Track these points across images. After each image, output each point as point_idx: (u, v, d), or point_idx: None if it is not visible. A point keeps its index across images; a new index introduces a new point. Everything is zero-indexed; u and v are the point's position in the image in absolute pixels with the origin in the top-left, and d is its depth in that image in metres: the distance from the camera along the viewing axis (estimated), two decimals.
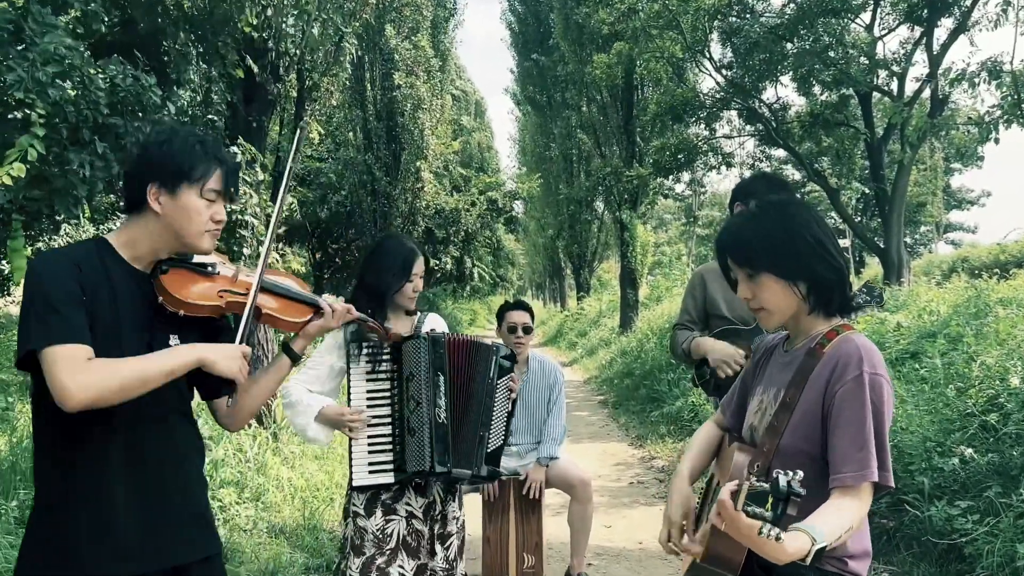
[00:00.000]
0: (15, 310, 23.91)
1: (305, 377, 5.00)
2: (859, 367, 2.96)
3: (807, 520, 2.69)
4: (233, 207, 9.96)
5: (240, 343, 3.31)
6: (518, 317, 7.27)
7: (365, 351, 4.85)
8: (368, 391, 4.82)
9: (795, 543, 2.56)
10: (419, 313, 5.27)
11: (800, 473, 2.43)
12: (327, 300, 3.77)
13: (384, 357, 4.83)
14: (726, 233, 3.31)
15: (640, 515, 10.20)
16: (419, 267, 5.10)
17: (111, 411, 3.04)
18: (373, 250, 5.26)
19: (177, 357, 3.10)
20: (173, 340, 3.31)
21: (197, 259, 3.44)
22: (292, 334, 3.76)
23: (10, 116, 6.85)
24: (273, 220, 3.83)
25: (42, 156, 6.95)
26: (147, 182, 3.23)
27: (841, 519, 2.79)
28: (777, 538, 2.43)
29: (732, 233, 3.27)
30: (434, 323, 5.24)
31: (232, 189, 3.40)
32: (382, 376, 4.84)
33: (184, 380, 3.30)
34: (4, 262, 12.45)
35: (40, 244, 12.33)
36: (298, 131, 4.00)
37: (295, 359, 3.74)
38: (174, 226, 3.25)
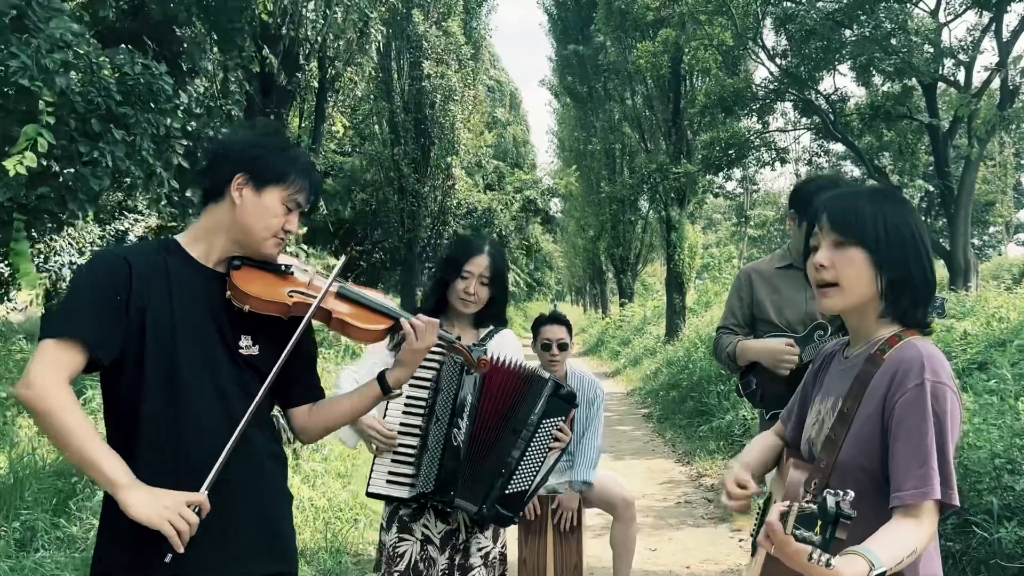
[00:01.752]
0: (16, 317, 24.03)
1: (355, 372, 4.94)
2: (920, 375, 2.90)
3: (865, 543, 2.65)
4: None
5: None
6: (552, 332, 7.13)
7: None
8: (408, 397, 4.72)
9: (851, 568, 2.52)
10: (491, 328, 5.18)
11: (851, 494, 2.39)
12: (405, 319, 3.66)
13: (431, 364, 4.67)
14: (836, 194, 3.25)
15: (688, 537, 10.15)
16: (475, 265, 4.95)
17: (177, 413, 3.16)
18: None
19: (108, 465, 3.02)
20: (245, 340, 3.39)
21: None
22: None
23: (12, 108, 6.87)
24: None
25: (48, 151, 6.97)
26: (237, 170, 3.34)
27: (903, 542, 2.75)
28: (827, 564, 2.39)
29: (843, 196, 3.21)
30: (503, 342, 5.12)
31: (311, 207, 3.56)
32: (424, 384, 4.72)
33: (257, 384, 3.35)
34: (3, 264, 12.53)
35: (41, 245, 12.39)
36: (340, 262, 3.89)
37: (386, 390, 3.69)
38: (246, 221, 3.35)
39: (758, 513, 3.48)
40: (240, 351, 3.38)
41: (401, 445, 4.72)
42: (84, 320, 3.08)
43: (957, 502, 2.86)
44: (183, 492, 3.08)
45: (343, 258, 3.71)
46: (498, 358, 4.74)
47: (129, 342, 3.15)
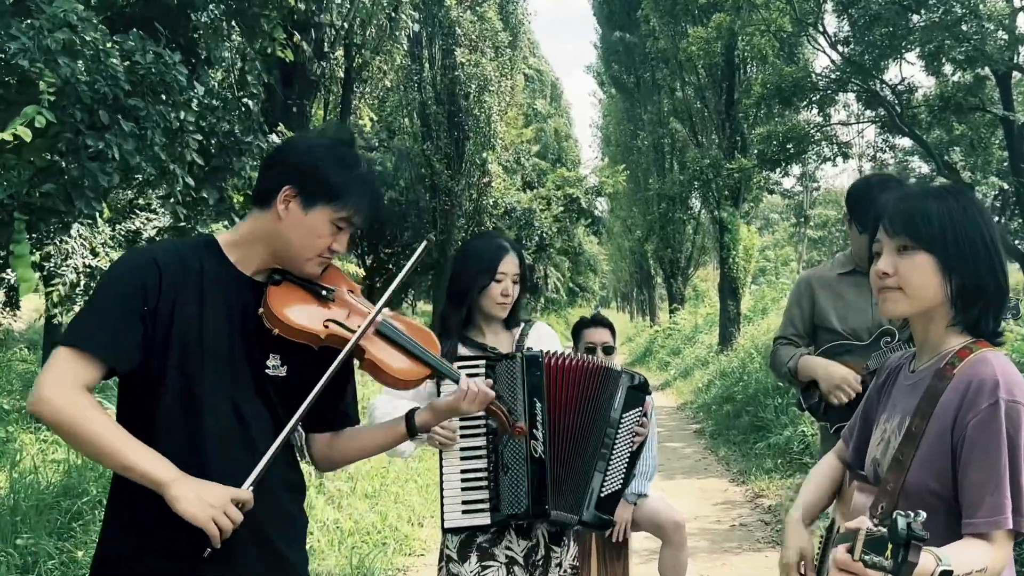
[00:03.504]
0: (19, 326, 24.14)
1: (391, 401, 4.84)
2: (994, 394, 2.86)
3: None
4: None
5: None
6: (597, 336, 7.09)
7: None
8: (461, 419, 4.64)
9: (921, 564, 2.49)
10: (522, 324, 5.17)
11: (923, 514, 2.35)
12: (464, 378, 3.67)
13: (479, 380, 4.64)
14: (900, 195, 3.23)
15: (743, 563, 10.09)
16: (508, 265, 4.92)
17: (196, 429, 3.15)
18: (458, 253, 5.23)
19: (148, 465, 3.01)
20: (273, 360, 3.35)
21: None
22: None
23: (13, 100, 6.87)
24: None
25: (52, 145, 6.96)
26: (286, 182, 3.27)
27: (973, 555, 2.75)
28: None
29: (909, 199, 3.18)
30: (540, 336, 5.15)
31: (366, 228, 3.54)
32: None
33: (281, 407, 3.33)
34: (10, 271, 12.57)
35: (50, 248, 12.43)
36: (422, 245, 3.76)
37: (412, 432, 3.65)
38: (288, 237, 3.30)
39: (821, 538, 3.44)
40: (266, 371, 3.33)
41: (466, 471, 4.72)
42: (105, 332, 3.07)
43: None
44: (229, 488, 3.06)
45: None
46: (557, 353, 4.80)
47: (152, 351, 3.13)
